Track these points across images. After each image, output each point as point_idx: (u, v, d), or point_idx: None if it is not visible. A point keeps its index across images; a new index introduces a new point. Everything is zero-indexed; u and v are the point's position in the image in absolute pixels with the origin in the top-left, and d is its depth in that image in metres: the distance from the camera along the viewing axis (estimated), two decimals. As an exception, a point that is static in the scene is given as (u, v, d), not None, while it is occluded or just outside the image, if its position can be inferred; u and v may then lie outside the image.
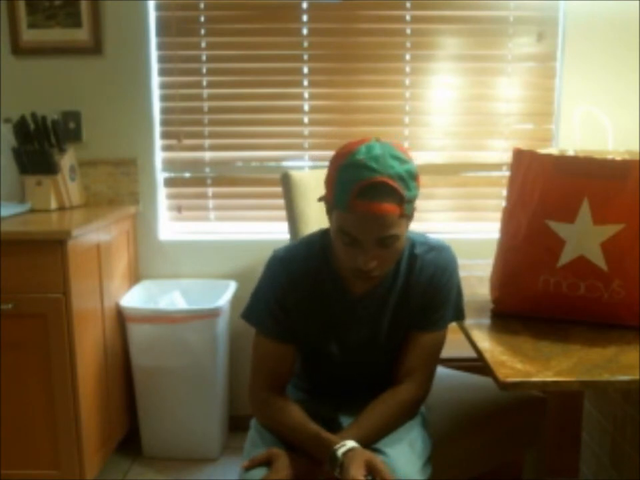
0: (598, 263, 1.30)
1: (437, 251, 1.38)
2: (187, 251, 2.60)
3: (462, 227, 2.63)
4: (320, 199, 1.34)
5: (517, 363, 1.15)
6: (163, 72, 2.55)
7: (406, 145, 2.57)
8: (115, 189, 2.55)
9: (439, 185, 2.60)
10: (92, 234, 2.14)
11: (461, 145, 2.59)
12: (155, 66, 2.53)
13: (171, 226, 2.65)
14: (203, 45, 2.53)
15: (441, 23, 2.50)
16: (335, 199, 1.24)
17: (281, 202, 2.06)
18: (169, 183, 2.63)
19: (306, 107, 2.57)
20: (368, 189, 1.19)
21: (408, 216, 1.27)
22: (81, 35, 2.44)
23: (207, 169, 2.62)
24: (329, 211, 1.30)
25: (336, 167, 1.24)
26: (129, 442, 2.49)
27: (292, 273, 1.36)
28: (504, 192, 2.44)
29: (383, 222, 1.20)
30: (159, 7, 2.50)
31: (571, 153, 1.47)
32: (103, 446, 2.24)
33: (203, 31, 2.52)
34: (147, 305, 2.43)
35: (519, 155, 1.40)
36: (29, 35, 2.44)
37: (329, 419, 1.39)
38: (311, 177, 2.03)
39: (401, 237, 1.25)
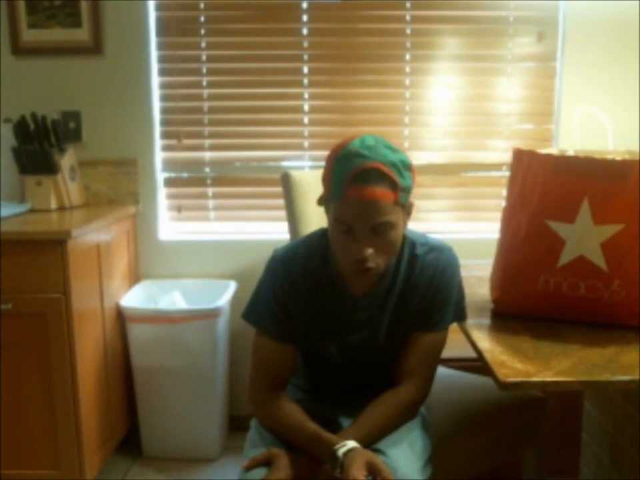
0: (598, 263, 1.30)
1: (438, 252, 1.38)
2: (187, 251, 2.60)
3: (462, 226, 2.63)
4: (319, 202, 1.34)
5: (516, 363, 1.15)
6: (163, 72, 2.55)
7: (406, 145, 2.58)
8: (115, 189, 2.55)
9: (439, 184, 2.60)
10: (92, 234, 2.14)
11: (461, 144, 2.59)
12: (155, 66, 2.53)
13: (171, 226, 2.65)
14: (203, 44, 2.53)
15: (441, 22, 2.50)
16: (330, 191, 1.25)
17: (281, 202, 2.06)
18: (169, 183, 2.63)
19: (306, 107, 2.57)
20: (361, 175, 1.21)
21: (403, 206, 1.27)
22: (81, 34, 2.44)
23: (207, 169, 2.62)
24: (327, 209, 1.31)
25: (331, 161, 1.27)
26: (129, 442, 2.49)
27: (292, 273, 1.36)
28: (504, 192, 2.44)
29: (376, 207, 1.21)
30: (158, 7, 2.50)
31: (571, 152, 1.47)
32: (103, 446, 2.24)
33: (203, 31, 2.52)
34: (147, 305, 2.43)
35: (518, 154, 1.40)
36: (29, 35, 2.44)
37: (329, 418, 1.39)
38: (311, 176, 2.03)
39: (396, 226, 1.25)
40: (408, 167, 1.26)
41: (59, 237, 1.93)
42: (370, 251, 1.23)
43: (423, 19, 2.51)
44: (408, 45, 2.52)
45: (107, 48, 2.47)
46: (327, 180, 1.27)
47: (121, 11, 2.45)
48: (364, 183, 1.20)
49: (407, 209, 1.30)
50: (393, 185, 1.22)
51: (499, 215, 1.46)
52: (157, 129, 2.57)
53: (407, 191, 1.26)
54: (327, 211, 1.31)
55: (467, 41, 2.51)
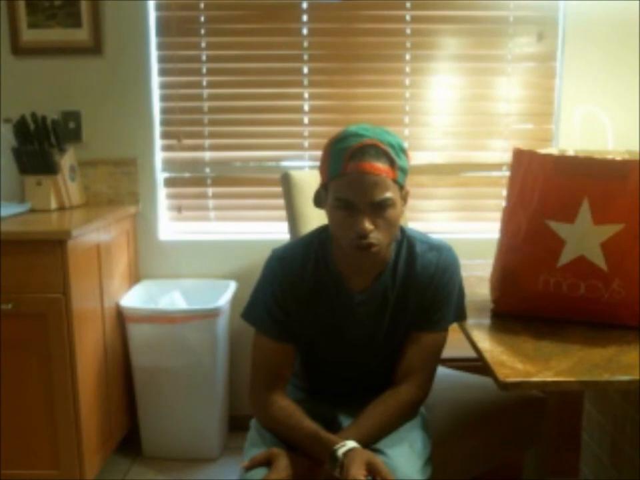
0: (598, 263, 1.30)
1: (438, 251, 1.38)
2: (187, 251, 2.60)
3: (462, 226, 2.63)
4: (315, 199, 1.34)
5: (517, 363, 1.15)
6: (163, 72, 2.55)
7: (406, 145, 2.57)
8: (115, 189, 2.55)
9: (439, 185, 2.60)
10: (92, 234, 2.14)
11: (461, 145, 2.58)
12: (155, 66, 2.53)
13: (171, 226, 2.65)
14: (203, 45, 2.53)
15: (441, 23, 2.50)
16: (329, 172, 1.26)
17: (281, 202, 2.06)
18: (169, 182, 2.63)
19: (306, 107, 2.57)
20: (359, 151, 1.23)
21: (401, 187, 1.28)
22: (81, 34, 2.44)
23: (207, 169, 2.62)
24: (325, 200, 1.31)
25: (328, 147, 1.28)
26: (129, 442, 2.49)
27: (290, 273, 1.36)
28: (504, 192, 2.44)
29: (375, 182, 1.22)
30: (158, 7, 2.50)
31: (571, 152, 1.47)
32: (103, 446, 2.24)
33: (202, 31, 2.52)
34: (146, 305, 2.43)
35: (519, 154, 1.40)
36: (29, 35, 2.44)
37: (329, 418, 1.39)
38: (311, 176, 2.02)
39: (395, 205, 1.26)
40: (404, 150, 1.28)
41: (59, 237, 1.93)
42: (370, 226, 1.23)
43: (423, 19, 2.51)
44: (408, 44, 2.52)
45: (106, 48, 2.47)
46: (326, 163, 1.28)
47: (121, 11, 2.45)
48: (363, 158, 1.22)
49: (403, 195, 1.30)
50: (391, 162, 1.24)
51: (499, 215, 1.47)
52: (157, 129, 2.57)
53: (404, 172, 1.28)
54: (325, 203, 1.31)
55: (467, 41, 2.51)
